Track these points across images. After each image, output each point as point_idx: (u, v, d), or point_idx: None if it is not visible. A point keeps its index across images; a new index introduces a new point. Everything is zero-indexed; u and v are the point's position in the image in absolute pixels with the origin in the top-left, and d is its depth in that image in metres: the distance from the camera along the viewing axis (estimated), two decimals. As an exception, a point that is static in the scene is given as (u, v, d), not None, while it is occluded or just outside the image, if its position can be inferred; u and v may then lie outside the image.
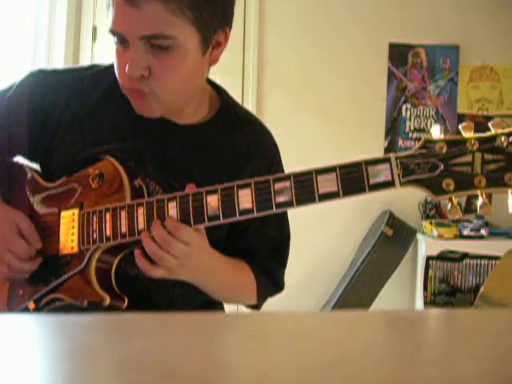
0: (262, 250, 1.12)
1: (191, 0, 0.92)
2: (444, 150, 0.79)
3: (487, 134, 0.79)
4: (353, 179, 0.82)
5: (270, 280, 1.13)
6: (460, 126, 0.81)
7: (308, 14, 3.32)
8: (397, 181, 0.80)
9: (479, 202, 0.80)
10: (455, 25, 3.29)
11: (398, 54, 3.32)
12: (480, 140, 0.79)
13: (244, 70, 3.32)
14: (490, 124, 0.79)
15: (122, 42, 0.95)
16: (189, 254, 0.92)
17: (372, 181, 0.81)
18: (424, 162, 0.80)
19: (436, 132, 0.81)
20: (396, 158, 0.81)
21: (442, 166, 0.80)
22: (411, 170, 0.80)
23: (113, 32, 0.96)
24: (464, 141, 0.79)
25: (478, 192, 0.79)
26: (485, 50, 3.29)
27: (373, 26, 3.30)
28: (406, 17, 3.30)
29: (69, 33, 3.11)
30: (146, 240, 0.92)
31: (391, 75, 3.32)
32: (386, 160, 0.81)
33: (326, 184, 0.83)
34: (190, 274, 0.98)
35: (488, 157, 0.78)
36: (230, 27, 1.01)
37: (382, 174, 0.81)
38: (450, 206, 0.82)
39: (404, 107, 3.32)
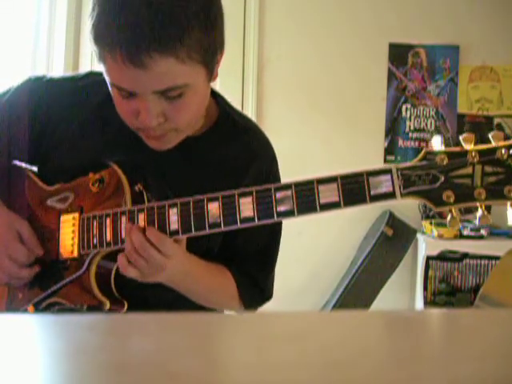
0: (247, 258, 1.11)
1: (197, 42, 0.89)
2: (445, 162, 0.80)
3: (487, 146, 0.80)
4: (354, 190, 0.82)
5: (255, 287, 1.12)
6: (461, 138, 0.81)
7: (308, 15, 3.32)
8: (398, 192, 0.81)
9: (478, 213, 0.81)
10: (455, 25, 3.29)
11: (398, 54, 3.32)
12: (480, 152, 0.79)
13: (244, 70, 3.32)
14: (490, 135, 0.79)
15: (129, 94, 0.93)
16: (165, 266, 0.92)
17: (373, 192, 0.82)
18: (425, 173, 0.81)
19: (437, 143, 0.82)
20: (397, 170, 0.81)
21: (442, 178, 0.80)
22: (412, 182, 0.81)
23: (116, 86, 0.93)
24: (464, 153, 0.80)
25: (478, 204, 0.80)
26: (485, 50, 3.29)
27: (373, 26, 3.30)
28: (405, 17, 3.30)
29: (69, 33, 3.11)
30: (127, 239, 0.92)
31: (391, 75, 3.32)
32: (388, 171, 0.82)
33: (328, 194, 0.83)
34: (164, 280, 0.98)
35: (488, 169, 0.79)
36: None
37: (383, 185, 0.82)
38: (449, 217, 0.82)
39: (404, 107, 3.32)
